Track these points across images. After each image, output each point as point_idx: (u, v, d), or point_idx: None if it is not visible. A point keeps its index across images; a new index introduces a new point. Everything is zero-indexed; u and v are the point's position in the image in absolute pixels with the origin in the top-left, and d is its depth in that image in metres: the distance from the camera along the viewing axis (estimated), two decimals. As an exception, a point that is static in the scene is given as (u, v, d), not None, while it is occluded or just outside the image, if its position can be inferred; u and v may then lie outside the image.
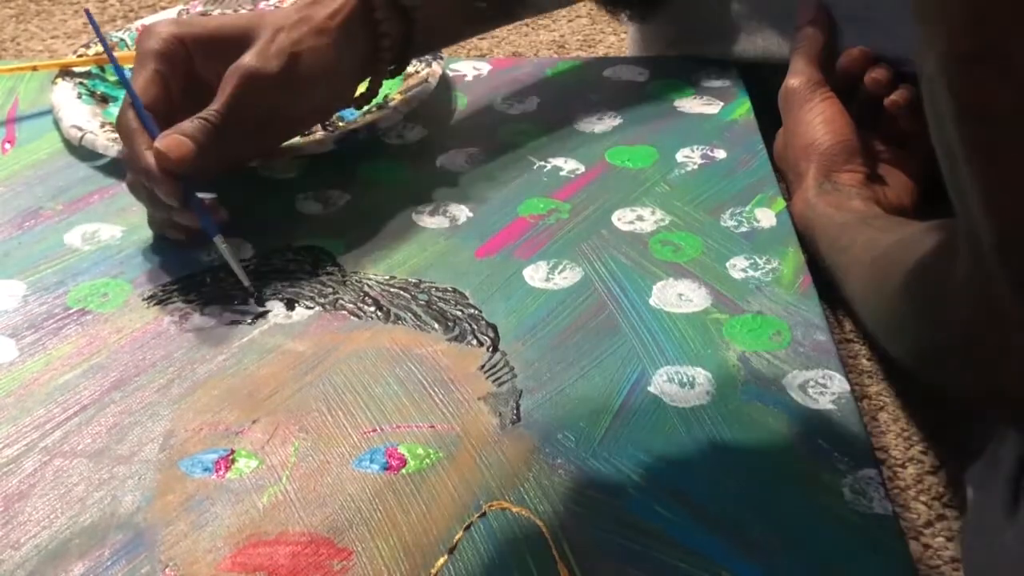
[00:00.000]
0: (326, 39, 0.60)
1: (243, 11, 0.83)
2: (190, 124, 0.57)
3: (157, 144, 0.55)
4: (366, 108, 0.71)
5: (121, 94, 0.74)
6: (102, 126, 0.70)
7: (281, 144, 0.65)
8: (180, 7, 0.83)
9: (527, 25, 1.01)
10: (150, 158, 0.55)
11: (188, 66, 0.60)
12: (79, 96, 0.72)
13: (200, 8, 0.83)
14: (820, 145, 0.65)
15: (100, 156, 0.68)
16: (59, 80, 0.74)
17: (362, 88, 0.66)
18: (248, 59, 0.58)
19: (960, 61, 0.33)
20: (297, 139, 0.68)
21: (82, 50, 0.77)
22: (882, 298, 0.52)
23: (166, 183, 0.55)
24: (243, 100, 0.58)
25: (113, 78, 0.76)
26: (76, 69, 0.75)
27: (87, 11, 0.64)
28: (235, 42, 0.60)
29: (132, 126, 0.57)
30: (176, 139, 0.56)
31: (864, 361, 0.59)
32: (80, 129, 0.68)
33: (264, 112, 0.59)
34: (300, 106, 0.61)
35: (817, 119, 0.66)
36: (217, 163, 0.58)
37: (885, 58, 0.67)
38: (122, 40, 0.79)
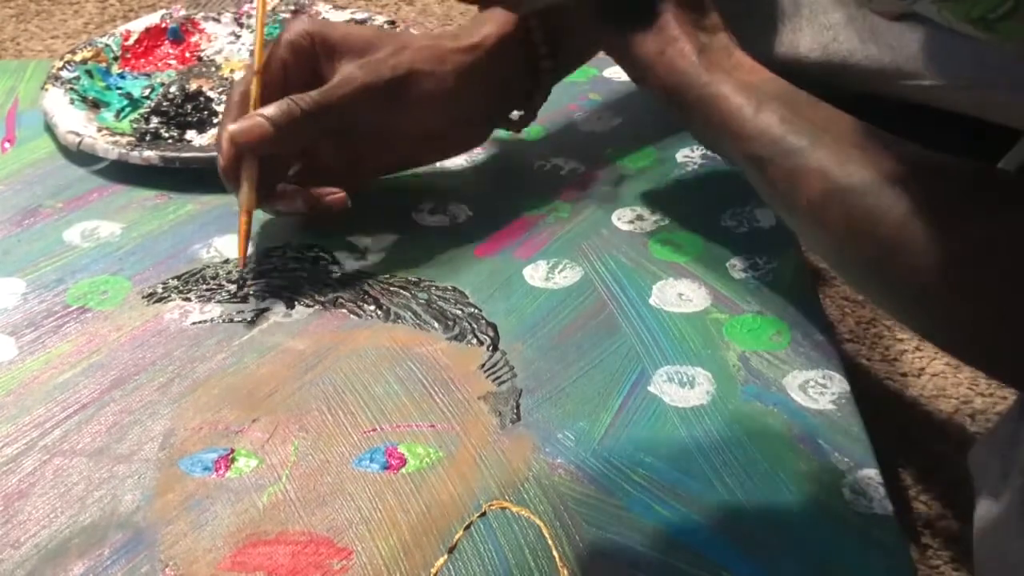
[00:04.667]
0: (449, 67, 0.60)
1: (227, 14, 0.83)
2: (276, 106, 0.57)
3: (232, 127, 0.56)
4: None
5: (112, 98, 0.74)
6: (99, 131, 0.69)
7: (383, 168, 0.64)
8: (162, 11, 0.83)
9: (527, 25, 1.01)
10: (224, 132, 0.56)
11: (312, 62, 0.60)
12: (71, 102, 0.72)
13: (183, 12, 0.83)
14: None
15: (99, 159, 0.68)
16: (49, 86, 0.73)
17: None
18: (359, 65, 0.59)
19: None
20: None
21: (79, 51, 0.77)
22: (867, 255, 0.45)
23: (224, 156, 0.56)
24: (340, 100, 0.58)
25: (103, 83, 0.76)
26: (64, 74, 0.74)
27: None
28: (358, 49, 0.60)
29: (234, 99, 0.58)
30: (255, 121, 0.56)
31: (864, 361, 0.59)
32: (78, 134, 0.68)
33: (363, 122, 0.59)
34: (404, 128, 0.61)
35: None
36: (300, 155, 0.59)
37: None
38: (107, 46, 0.79)
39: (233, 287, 0.58)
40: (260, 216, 0.64)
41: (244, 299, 0.57)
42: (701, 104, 0.53)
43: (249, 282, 0.58)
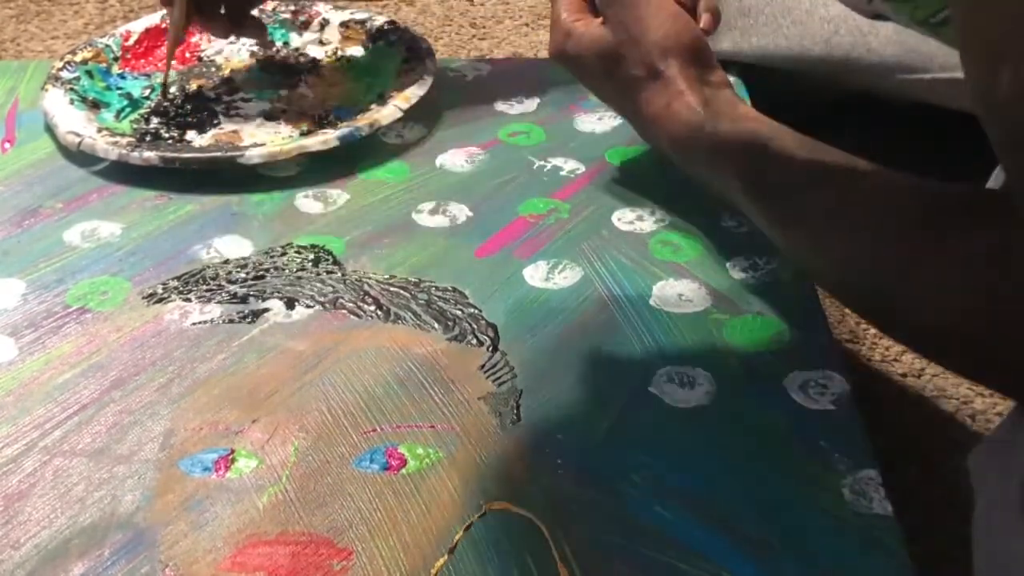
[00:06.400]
0: None
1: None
2: None
3: None
4: (365, 105, 0.72)
5: (112, 98, 0.74)
6: (99, 131, 0.69)
7: None
8: (162, 12, 0.83)
9: (527, 25, 1.01)
10: None
11: None
12: (71, 102, 0.72)
13: None
14: (682, 36, 0.56)
15: (100, 160, 0.68)
16: (49, 86, 0.73)
17: None
18: None
19: None
20: (299, 139, 0.68)
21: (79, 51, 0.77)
22: (868, 281, 0.47)
23: None
24: None
25: (103, 84, 0.76)
26: (64, 75, 0.74)
27: None
28: None
29: None
30: None
31: (864, 361, 0.59)
32: (78, 135, 0.68)
33: None
34: None
35: (663, 10, 0.57)
36: None
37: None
38: (107, 47, 0.79)
39: (234, 288, 0.58)
40: (259, 215, 0.64)
41: (244, 299, 0.57)
42: (707, 151, 0.54)
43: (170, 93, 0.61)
